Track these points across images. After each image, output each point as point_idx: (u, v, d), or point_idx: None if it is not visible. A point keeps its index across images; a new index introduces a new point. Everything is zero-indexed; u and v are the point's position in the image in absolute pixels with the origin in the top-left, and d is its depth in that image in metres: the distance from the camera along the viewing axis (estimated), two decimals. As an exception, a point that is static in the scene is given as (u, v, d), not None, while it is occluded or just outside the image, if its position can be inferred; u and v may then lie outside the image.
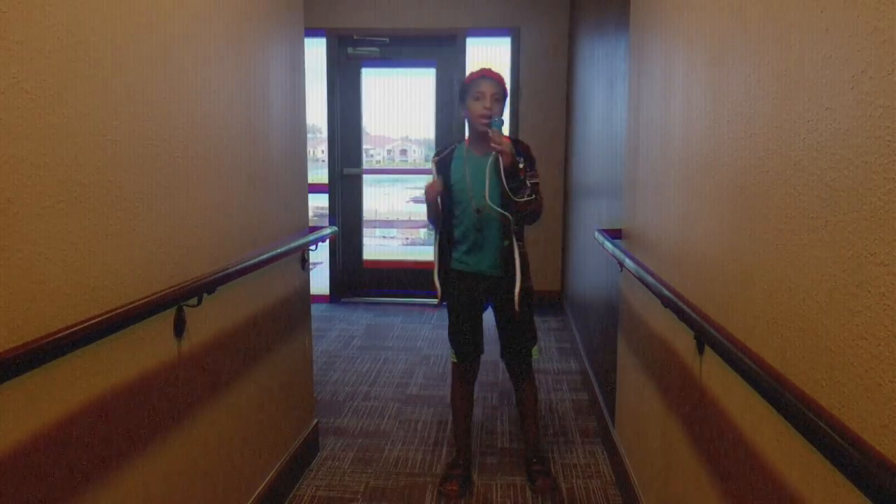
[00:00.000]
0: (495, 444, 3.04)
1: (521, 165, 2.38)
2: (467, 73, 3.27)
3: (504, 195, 2.39)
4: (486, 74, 2.46)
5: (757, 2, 1.29)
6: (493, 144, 2.33)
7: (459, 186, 2.51)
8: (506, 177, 2.35)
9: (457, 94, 2.49)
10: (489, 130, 2.36)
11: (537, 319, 5.21)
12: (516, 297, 2.49)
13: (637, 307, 2.38)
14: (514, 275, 2.50)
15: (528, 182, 2.39)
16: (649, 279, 1.91)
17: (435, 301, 2.67)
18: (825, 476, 1.00)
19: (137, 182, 1.52)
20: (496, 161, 2.37)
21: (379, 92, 5.61)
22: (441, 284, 2.60)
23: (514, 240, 2.50)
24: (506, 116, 2.55)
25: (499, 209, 2.44)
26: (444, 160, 2.57)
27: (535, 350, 2.67)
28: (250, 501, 2.24)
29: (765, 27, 1.24)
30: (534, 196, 2.39)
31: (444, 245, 2.60)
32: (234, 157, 2.05)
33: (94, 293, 1.37)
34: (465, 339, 2.64)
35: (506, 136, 2.39)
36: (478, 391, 3.21)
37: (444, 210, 2.56)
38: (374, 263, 5.76)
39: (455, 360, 2.69)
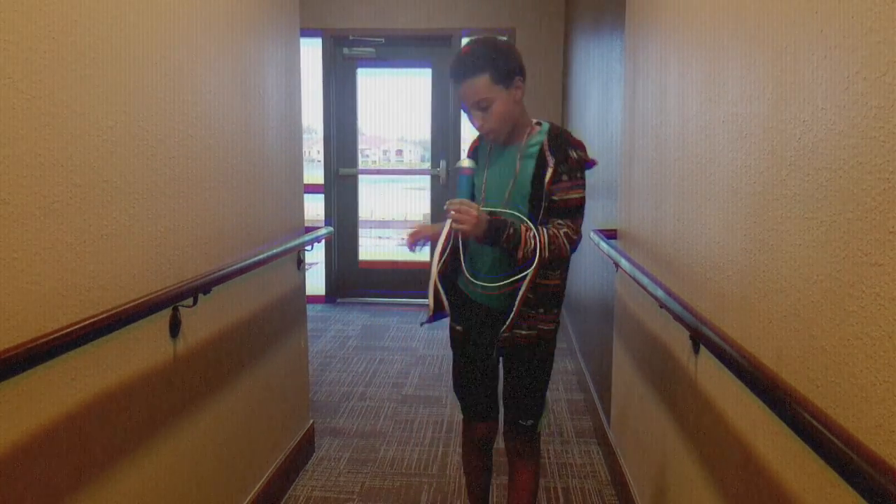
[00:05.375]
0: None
1: (546, 178, 1.72)
2: None
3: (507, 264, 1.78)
4: (458, 78, 1.74)
5: (752, 3, 1.29)
6: (453, 224, 1.69)
7: (477, 183, 1.90)
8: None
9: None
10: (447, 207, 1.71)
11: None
12: (521, 334, 1.85)
13: (632, 307, 2.38)
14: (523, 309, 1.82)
15: (544, 230, 1.71)
16: (644, 279, 1.91)
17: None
18: (820, 475, 1.00)
19: (133, 183, 1.52)
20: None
21: (374, 92, 5.61)
22: (446, 300, 1.92)
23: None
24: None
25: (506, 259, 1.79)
26: (475, 149, 1.99)
27: (541, 422, 1.96)
28: (246, 501, 2.24)
29: (759, 28, 1.25)
30: (547, 246, 1.71)
31: (455, 248, 1.87)
32: (229, 158, 2.05)
33: (90, 294, 1.37)
34: (472, 389, 1.99)
35: (472, 209, 1.66)
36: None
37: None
38: (370, 264, 5.76)
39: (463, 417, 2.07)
